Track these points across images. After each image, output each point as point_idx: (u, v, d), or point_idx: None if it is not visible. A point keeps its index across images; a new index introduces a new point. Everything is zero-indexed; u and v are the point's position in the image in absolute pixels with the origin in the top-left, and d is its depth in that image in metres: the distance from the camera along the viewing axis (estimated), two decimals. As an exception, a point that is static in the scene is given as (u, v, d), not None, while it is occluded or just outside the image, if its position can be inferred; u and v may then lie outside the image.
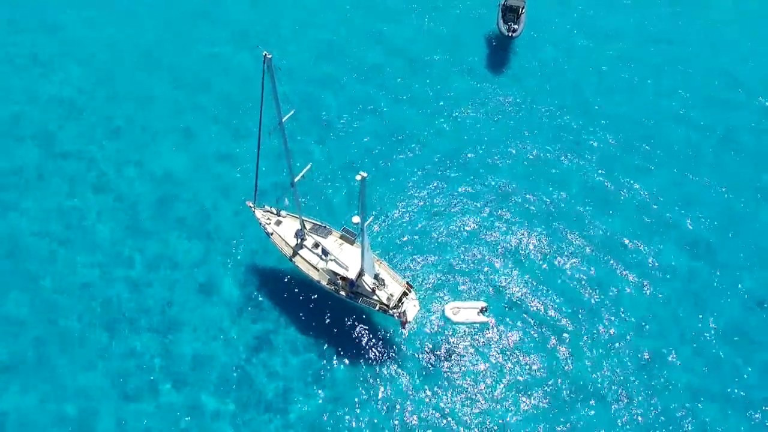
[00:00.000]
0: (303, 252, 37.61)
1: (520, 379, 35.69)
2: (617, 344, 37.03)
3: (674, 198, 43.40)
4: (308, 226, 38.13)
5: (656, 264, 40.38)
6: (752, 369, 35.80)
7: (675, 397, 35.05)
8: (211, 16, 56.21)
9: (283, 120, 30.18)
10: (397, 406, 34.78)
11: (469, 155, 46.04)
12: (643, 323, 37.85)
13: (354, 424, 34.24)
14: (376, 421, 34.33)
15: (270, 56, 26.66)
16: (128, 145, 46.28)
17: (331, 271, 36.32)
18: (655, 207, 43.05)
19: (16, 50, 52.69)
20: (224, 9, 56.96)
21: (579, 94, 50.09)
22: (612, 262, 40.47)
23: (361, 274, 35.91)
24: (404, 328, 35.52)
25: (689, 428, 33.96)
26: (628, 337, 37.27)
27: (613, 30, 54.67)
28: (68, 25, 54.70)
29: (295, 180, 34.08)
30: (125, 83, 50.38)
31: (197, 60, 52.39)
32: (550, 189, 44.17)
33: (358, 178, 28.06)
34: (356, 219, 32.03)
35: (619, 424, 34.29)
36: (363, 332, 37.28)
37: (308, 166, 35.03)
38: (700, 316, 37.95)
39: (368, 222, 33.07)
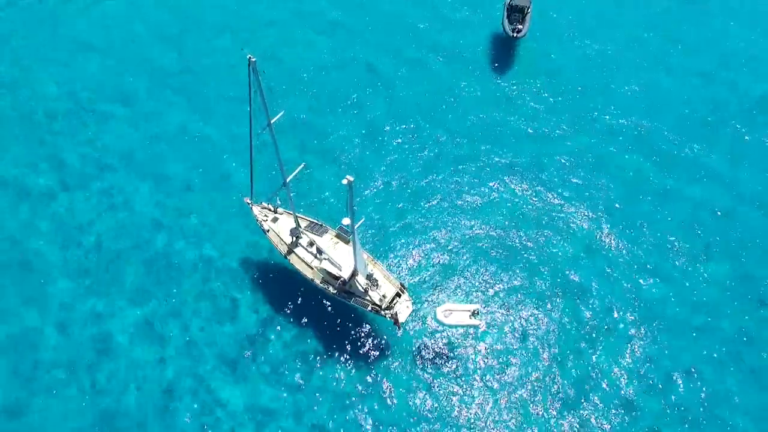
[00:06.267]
0: (298, 250, 37.59)
1: (511, 381, 35.44)
2: (611, 345, 36.52)
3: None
4: (304, 223, 38.06)
5: (657, 271, 39.56)
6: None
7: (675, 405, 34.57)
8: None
9: (272, 121, 30.00)
10: (386, 406, 34.81)
11: (469, 156, 45.15)
12: (640, 329, 37.23)
13: (343, 424, 34.40)
14: (365, 420, 34.44)
15: (254, 59, 26.43)
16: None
17: (325, 270, 36.27)
18: (670, 218, 41.98)
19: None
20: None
21: (584, 94, 48.54)
22: (611, 265, 39.72)
23: (354, 273, 35.78)
24: (398, 326, 35.40)
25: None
26: (622, 339, 36.77)
27: (619, 30, 52.76)
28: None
29: (288, 179, 33.95)
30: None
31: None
32: (550, 192, 43.21)
33: (345, 182, 27.83)
34: (346, 221, 31.78)
35: (615, 426, 33.98)
36: (355, 332, 37.27)
37: (301, 165, 34.88)
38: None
39: (359, 224, 32.90)
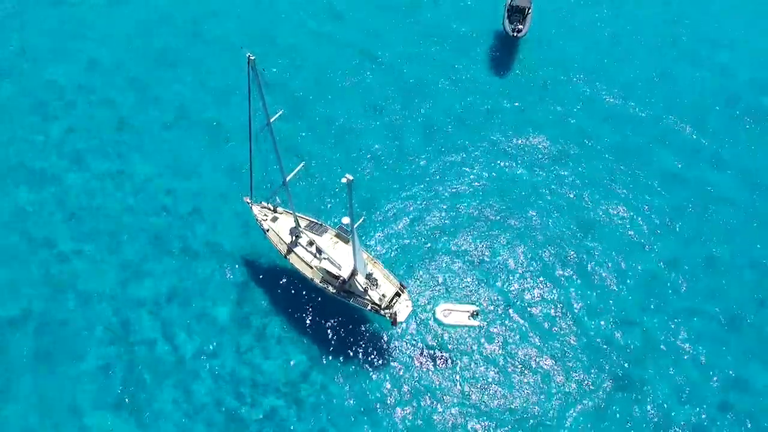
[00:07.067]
0: (298, 249, 37.56)
1: (511, 379, 35.50)
2: (609, 347, 36.58)
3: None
4: (303, 223, 38.02)
5: (660, 255, 39.90)
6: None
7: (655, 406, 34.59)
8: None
9: (271, 120, 29.98)
10: (385, 406, 34.81)
11: (469, 157, 45.08)
12: (644, 318, 37.47)
13: (342, 423, 34.39)
14: (363, 420, 34.42)
15: (253, 58, 26.40)
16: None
17: (325, 269, 36.25)
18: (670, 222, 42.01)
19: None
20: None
21: (585, 94, 48.44)
22: (617, 256, 39.82)
23: (354, 273, 35.75)
24: (395, 325, 35.41)
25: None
26: (622, 341, 36.83)
27: (620, 28, 52.63)
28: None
29: (287, 179, 33.92)
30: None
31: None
32: (550, 193, 43.15)
33: (344, 180, 27.80)
34: (346, 220, 31.79)
35: (621, 420, 34.22)
36: (354, 331, 37.29)
37: (301, 165, 34.85)
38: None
39: (359, 223, 32.89)
